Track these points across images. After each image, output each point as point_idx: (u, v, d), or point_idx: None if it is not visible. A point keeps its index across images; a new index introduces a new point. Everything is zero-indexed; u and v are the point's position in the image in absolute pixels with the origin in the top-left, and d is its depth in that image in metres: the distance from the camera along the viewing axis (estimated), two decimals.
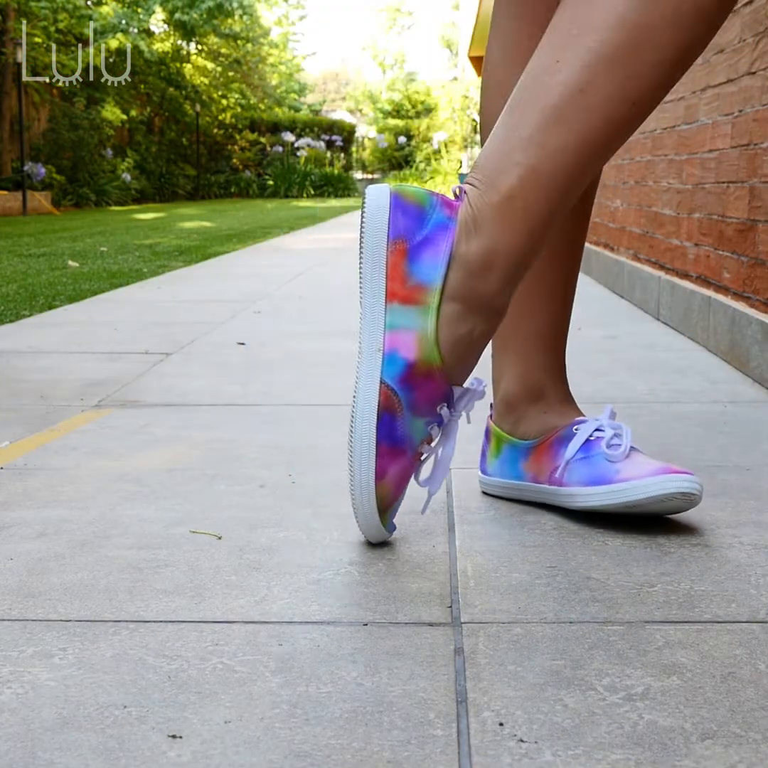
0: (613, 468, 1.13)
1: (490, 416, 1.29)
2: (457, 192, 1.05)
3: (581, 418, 1.21)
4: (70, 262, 5.33)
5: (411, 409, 1.03)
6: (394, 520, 1.11)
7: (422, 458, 1.08)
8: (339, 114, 33.45)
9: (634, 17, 0.97)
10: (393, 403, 1.03)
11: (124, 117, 17.59)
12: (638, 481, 1.10)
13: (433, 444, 1.08)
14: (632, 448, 1.16)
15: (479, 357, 1.07)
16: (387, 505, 1.07)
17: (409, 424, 1.04)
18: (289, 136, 22.95)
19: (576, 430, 1.19)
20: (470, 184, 1.04)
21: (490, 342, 1.28)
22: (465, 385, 1.07)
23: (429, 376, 1.03)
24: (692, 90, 2.72)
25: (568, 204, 1.04)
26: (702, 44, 1.01)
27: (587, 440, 1.17)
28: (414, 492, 1.28)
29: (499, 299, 1.03)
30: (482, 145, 1.25)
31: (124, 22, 18.26)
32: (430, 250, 1.03)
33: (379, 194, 1.05)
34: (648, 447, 1.49)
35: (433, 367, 1.02)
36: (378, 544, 1.09)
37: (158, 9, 20.04)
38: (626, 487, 1.10)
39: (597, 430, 1.17)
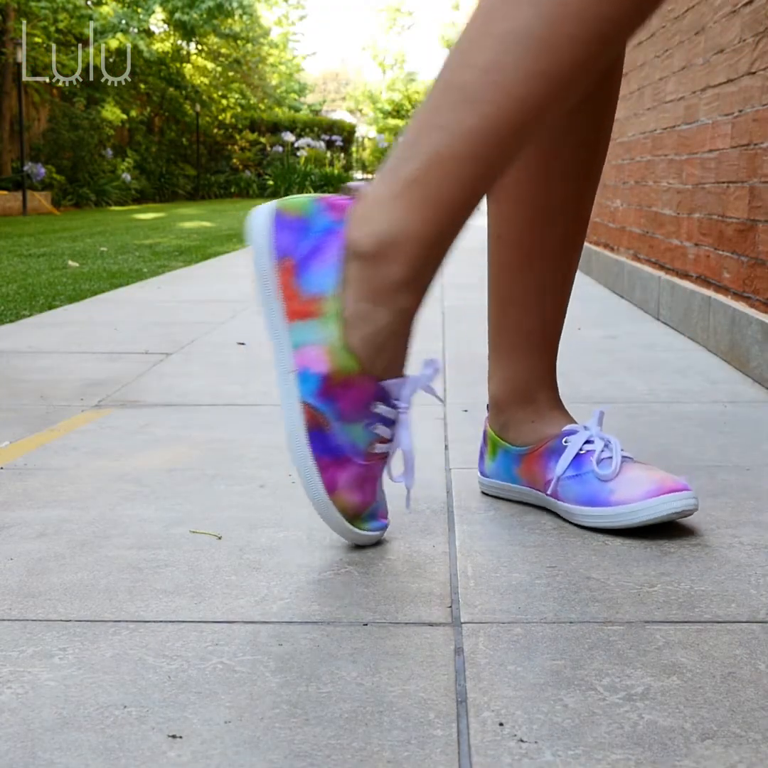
0: (606, 488, 1.12)
1: (487, 418, 1.29)
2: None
3: (570, 427, 1.19)
4: (70, 262, 5.34)
5: (340, 419, 1.01)
6: (388, 519, 1.10)
7: (387, 457, 1.06)
8: (339, 114, 33.46)
9: None
10: (318, 419, 1.01)
11: (124, 117, 17.60)
12: (634, 505, 1.09)
13: (392, 440, 1.05)
14: (624, 458, 1.14)
15: (406, 348, 1.03)
16: (356, 511, 1.05)
17: (343, 432, 1.02)
18: (289, 136, 22.94)
19: (565, 442, 1.17)
20: (375, 176, 1.00)
21: (487, 340, 1.28)
22: (409, 372, 1.04)
23: (349, 382, 1.00)
24: (692, 90, 2.72)
25: (486, 187, 0.98)
26: (631, 19, 0.94)
27: (577, 454, 1.15)
28: (411, 491, 1.28)
29: (406, 289, 0.98)
30: None
31: (124, 22, 18.26)
32: (318, 259, 1.00)
33: (260, 216, 1.02)
34: (648, 447, 1.49)
35: (351, 372, 1.00)
36: (378, 544, 1.09)
37: (158, 9, 20.04)
38: (623, 511, 1.09)
39: (587, 442, 1.16)
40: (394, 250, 0.98)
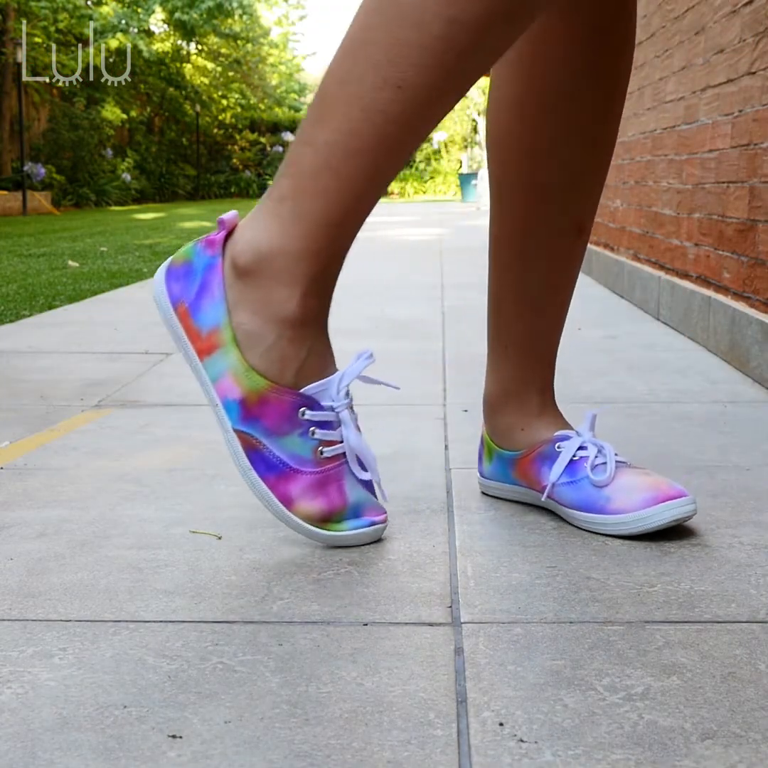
0: (602, 494, 1.11)
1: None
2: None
3: (562, 433, 1.18)
4: (70, 262, 5.34)
5: (270, 435, 1.03)
6: (382, 517, 1.09)
7: (344, 458, 1.06)
8: None
9: None
10: (250, 441, 1.04)
11: (124, 117, 17.61)
12: (633, 514, 1.08)
13: (338, 441, 1.05)
14: (618, 463, 1.13)
15: (316, 353, 1.04)
16: (324, 516, 1.05)
17: (280, 446, 1.03)
18: (289, 136, 22.95)
19: (558, 448, 1.16)
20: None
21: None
22: (337, 370, 1.06)
23: (264, 400, 1.03)
24: (692, 90, 2.72)
25: (359, 200, 0.99)
26: (483, 23, 0.91)
27: (571, 461, 1.14)
28: (411, 491, 1.28)
29: (289, 300, 1.02)
30: (484, 145, 1.24)
31: (124, 22, 18.27)
32: (206, 296, 1.05)
33: (157, 275, 1.09)
34: (648, 447, 1.49)
35: (264, 390, 1.02)
36: (378, 544, 1.09)
37: (158, 9, 20.05)
38: (622, 520, 1.09)
39: (580, 448, 1.15)
40: (268, 266, 1.01)
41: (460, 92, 0.97)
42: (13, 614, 0.92)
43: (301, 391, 1.03)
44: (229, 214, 1.06)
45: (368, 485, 1.09)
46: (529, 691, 0.77)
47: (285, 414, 1.03)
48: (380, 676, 0.79)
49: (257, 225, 1.03)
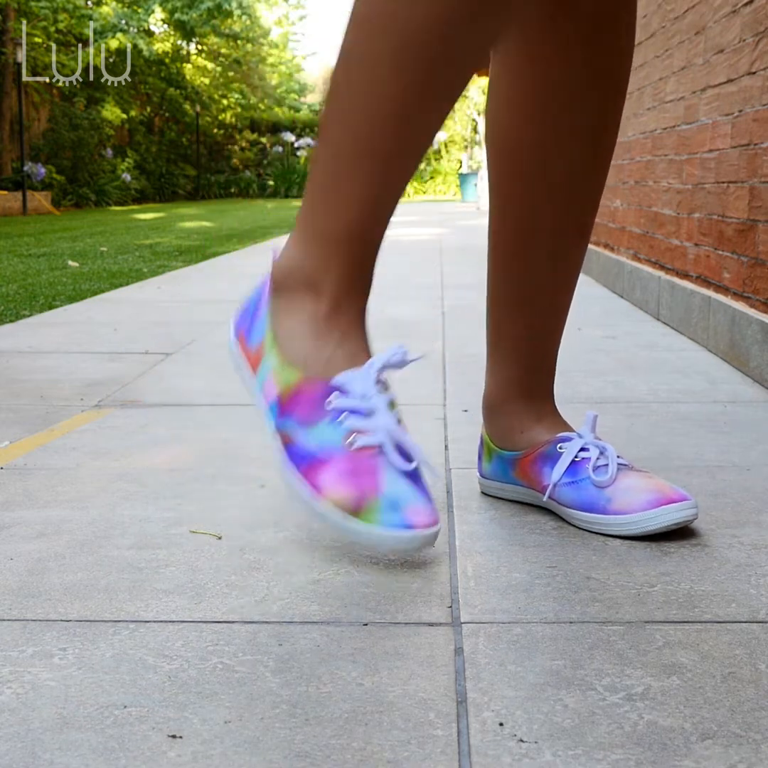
0: (603, 495, 1.11)
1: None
2: None
3: (563, 434, 1.18)
4: (70, 262, 5.34)
5: (302, 426, 1.05)
6: (423, 525, 0.99)
7: (380, 447, 1.02)
8: None
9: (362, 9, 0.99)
10: (287, 437, 1.06)
11: (124, 117, 17.61)
12: (634, 516, 1.08)
13: (371, 429, 1.02)
14: (620, 465, 1.13)
15: (343, 345, 1.06)
16: (356, 504, 1.00)
17: (311, 437, 1.04)
18: (289, 136, 22.95)
19: (560, 449, 1.16)
20: None
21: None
22: (368, 360, 1.06)
23: (297, 392, 1.06)
24: (692, 90, 2.72)
25: (376, 210, 1.04)
26: (444, 24, 0.95)
27: (573, 461, 1.14)
28: None
29: (318, 304, 1.07)
30: (483, 145, 1.24)
31: (123, 22, 18.28)
32: (256, 318, 1.14)
33: (231, 317, 1.20)
34: (648, 447, 1.49)
35: (296, 382, 1.06)
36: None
37: (158, 9, 20.05)
38: (622, 521, 1.09)
39: (582, 449, 1.14)
40: (294, 278, 1.09)
41: (446, 92, 1.01)
42: (13, 614, 0.92)
43: (332, 381, 1.04)
44: (277, 244, 1.14)
45: (417, 482, 1.02)
46: (529, 691, 0.77)
47: (315, 403, 1.05)
48: (380, 676, 0.79)
49: (288, 244, 1.10)
